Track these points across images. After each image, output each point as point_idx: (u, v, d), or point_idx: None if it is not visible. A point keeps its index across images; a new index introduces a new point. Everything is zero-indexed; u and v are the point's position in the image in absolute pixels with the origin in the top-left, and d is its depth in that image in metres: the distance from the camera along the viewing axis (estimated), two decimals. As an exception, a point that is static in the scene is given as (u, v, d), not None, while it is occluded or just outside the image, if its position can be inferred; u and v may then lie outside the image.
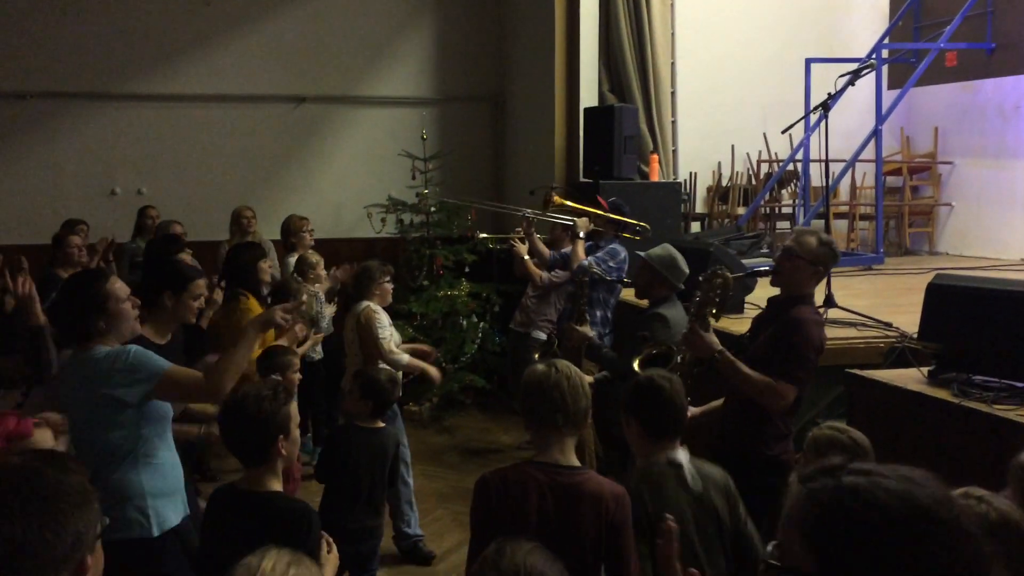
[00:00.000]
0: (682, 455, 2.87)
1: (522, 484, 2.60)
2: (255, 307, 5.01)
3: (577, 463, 2.70)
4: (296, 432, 2.83)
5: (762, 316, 3.94)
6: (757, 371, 3.59)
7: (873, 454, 2.94)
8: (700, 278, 3.85)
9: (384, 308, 5.14)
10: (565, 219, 5.84)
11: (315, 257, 6.19)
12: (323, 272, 6.14)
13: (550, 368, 2.69)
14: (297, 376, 4.36)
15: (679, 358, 3.84)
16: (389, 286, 5.16)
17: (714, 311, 3.75)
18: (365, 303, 5.04)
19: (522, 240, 6.06)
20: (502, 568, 1.89)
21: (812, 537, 1.24)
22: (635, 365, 3.91)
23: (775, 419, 3.65)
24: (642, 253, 4.61)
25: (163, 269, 3.94)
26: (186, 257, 5.55)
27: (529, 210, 6.12)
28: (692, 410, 3.80)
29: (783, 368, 3.55)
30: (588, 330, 4.67)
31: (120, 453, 3.02)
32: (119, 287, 3.16)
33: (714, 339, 3.68)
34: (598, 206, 5.84)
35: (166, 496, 3.13)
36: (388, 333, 5.01)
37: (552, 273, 6.15)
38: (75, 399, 3.09)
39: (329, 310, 6.16)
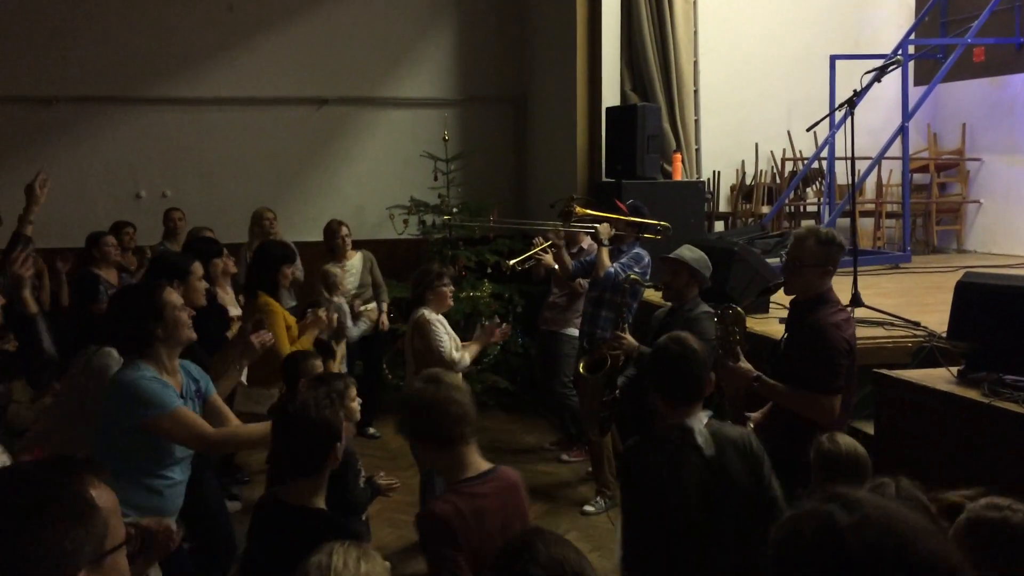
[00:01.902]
0: (696, 421, 2.91)
1: (477, 507, 2.54)
2: (275, 305, 5.00)
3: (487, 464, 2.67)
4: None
5: (790, 319, 3.91)
6: (794, 380, 3.59)
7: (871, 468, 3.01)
8: (714, 319, 3.92)
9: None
10: (587, 227, 5.82)
11: (336, 269, 6.23)
12: (346, 285, 6.20)
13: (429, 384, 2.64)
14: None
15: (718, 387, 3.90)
16: (446, 290, 4.97)
17: (738, 339, 3.77)
18: (420, 312, 4.91)
19: (545, 251, 6.07)
20: (541, 562, 1.79)
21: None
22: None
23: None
24: (672, 256, 4.62)
25: (162, 264, 4.14)
26: (220, 263, 5.58)
27: (551, 223, 6.10)
28: (753, 415, 3.84)
29: (818, 381, 3.55)
30: (631, 339, 4.76)
31: (117, 470, 3.02)
32: (175, 296, 3.26)
33: (747, 367, 3.70)
34: (617, 210, 5.80)
35: (154, 515, 3.14)
36: (447, 340, 4.87)
37: (577, 282, 6.20)
38: (101, 411, 3.15)
39: (370, 312, 6.18)
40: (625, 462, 3.13)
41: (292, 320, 5.09)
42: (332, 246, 6.98)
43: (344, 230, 7.02)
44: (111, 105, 8.55)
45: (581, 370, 5.09)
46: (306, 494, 2.68)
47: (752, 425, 3.78)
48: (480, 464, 2.64)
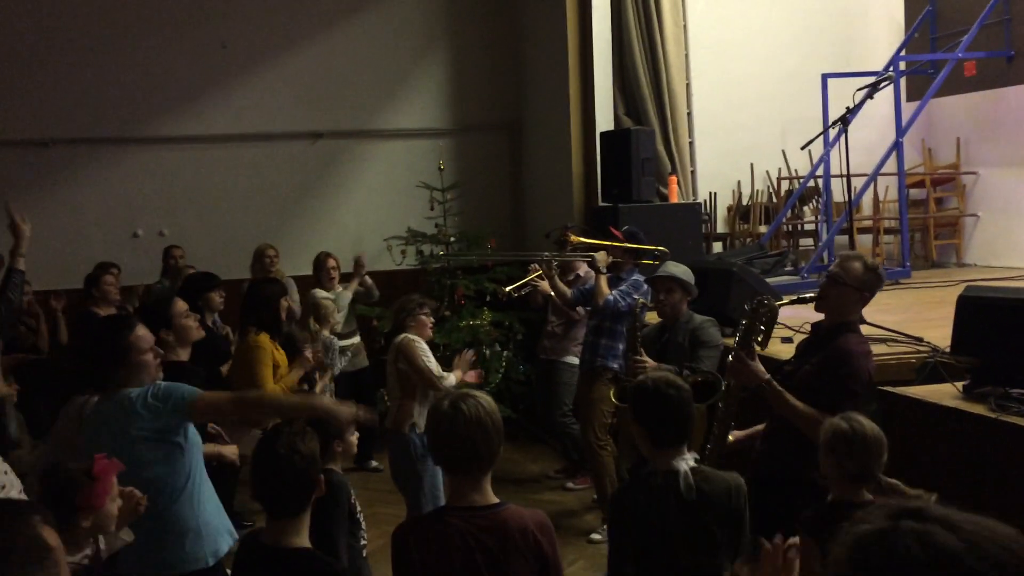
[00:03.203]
0: (683, 464, 2.88)
1: (443, 537, 2.47)
2: (265, 343, 4.99)
3: (495, 500, 2.56)
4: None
5: (808, 341, 3.86)
6: (803, 399, 3.53)
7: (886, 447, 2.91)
8: (746, 307, 3.85)
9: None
10: (583, 256, 5.82)
11: (328, 301, 6.28)
12: (336, 318, 6.26)
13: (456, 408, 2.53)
14: None
15: (725, 385, 3.83)
16: (427, 319, 5.14)
17: (759, 339, 3.72)
18: (402, 335, 5.05)
19: (541, 277, 6.07)
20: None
21: None
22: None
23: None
24: (662, 275, 4.67)
25: (146, 314, 4.25)
26: (217, 296, 5.66)
27: (547, 253, 6.09)
28: (736, 433, 3.81)
29: (830, 402, 3.48)
30: (650, 360, 4.74)
31: (172, 487, 3.05)
32: (143, 337, 3.19)
33: (761, 367, 3.64)
34: (613, 237, 5.78)
35: (216, 524, 3.18)
36: (433, 358, 5.04)
37: (574, 312, 6.19)
38: (106, 444, 3.09)
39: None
40: (613, 505, 3.10)
41: (282, 356, 5.07)
42: (319, 277, 7.10)
43: (331, 262, 7.08)
44: (108, 145, 8.56)
45: (612, 399, 5.07)
46: (286, 534, 2.65)
47: (731, 439, 3.76)
48: (481, 498, 2.52)
